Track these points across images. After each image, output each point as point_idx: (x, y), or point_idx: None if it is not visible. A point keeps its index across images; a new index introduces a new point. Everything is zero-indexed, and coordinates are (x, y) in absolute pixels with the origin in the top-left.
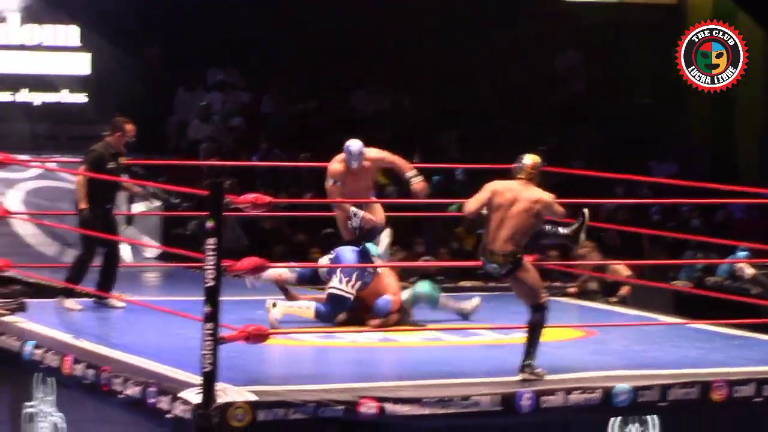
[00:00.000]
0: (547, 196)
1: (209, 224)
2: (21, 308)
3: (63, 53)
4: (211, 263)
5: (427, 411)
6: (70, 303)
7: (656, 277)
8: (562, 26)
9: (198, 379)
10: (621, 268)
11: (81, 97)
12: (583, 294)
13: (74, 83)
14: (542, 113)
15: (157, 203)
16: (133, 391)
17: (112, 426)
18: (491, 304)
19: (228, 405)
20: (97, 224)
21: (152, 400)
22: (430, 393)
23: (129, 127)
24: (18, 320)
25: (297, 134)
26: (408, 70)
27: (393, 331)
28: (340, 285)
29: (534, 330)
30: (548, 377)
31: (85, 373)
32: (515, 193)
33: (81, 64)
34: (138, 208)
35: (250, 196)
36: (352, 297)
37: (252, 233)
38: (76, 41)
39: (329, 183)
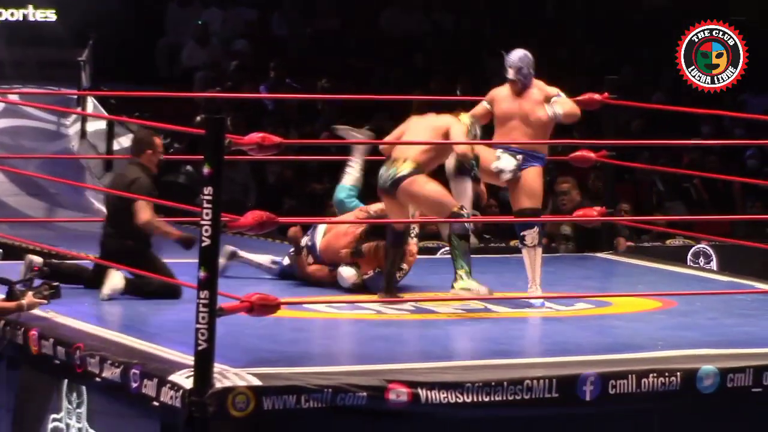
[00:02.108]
0: None
1: (206, 170)
2: (57, 294)
3: None
4: (208, 218)
5: (469, 398)
6: None
7: (752, 236)
8: None
9: (190, 359)
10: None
11: (49, 14)
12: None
13: None
14: (621, 33)
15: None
16: (111, 373)
17: (88, 415)
18: (551, 269)
19: (227, 391)
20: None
21: (135, 385)
22: (472, 376)
23: (158, 141)
24: None
25: (314, 60)
26: None
27: (430, 300)
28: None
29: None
30: (618, 357)
31: (56, 351)
32: None
33: None
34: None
35: (256, 136)
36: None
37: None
38: None
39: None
